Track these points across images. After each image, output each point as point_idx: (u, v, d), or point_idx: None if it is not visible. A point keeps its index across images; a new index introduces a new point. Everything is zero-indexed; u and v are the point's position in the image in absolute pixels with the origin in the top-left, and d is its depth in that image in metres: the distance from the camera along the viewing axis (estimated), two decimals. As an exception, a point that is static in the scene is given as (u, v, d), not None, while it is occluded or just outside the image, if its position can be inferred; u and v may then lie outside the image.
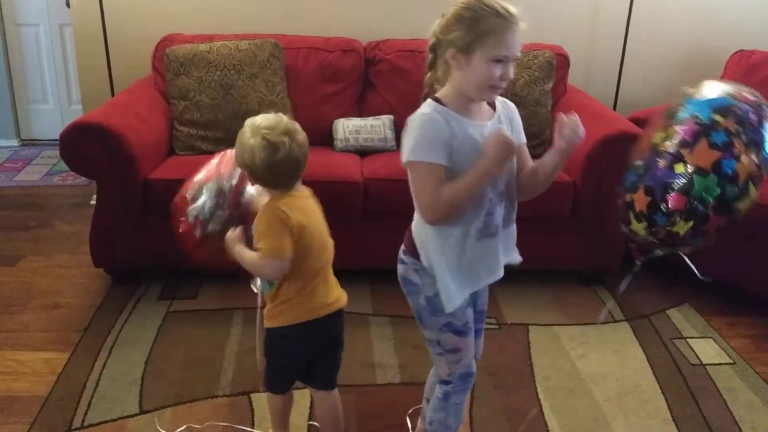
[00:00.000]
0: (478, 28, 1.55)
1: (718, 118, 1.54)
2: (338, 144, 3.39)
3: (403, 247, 1.83)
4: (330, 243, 1.90)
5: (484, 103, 1.72)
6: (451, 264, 1.71)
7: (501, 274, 1.80)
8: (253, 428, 2.24)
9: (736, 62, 3.62)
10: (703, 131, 1.54)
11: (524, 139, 1.80)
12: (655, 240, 1.65)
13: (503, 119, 1.74)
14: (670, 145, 1.57)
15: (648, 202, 1.59)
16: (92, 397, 2.37)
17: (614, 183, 3.02)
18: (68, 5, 3.74)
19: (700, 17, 3.86)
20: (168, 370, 2.53)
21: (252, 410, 2.32)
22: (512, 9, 1.57)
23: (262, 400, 2.34)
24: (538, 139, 3.36)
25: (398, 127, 3.46)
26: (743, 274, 3.02)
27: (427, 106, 1.65)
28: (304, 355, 1.95)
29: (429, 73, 1.72)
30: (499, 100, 1.76)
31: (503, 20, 1.55)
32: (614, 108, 3.83)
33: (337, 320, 1.94)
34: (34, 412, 2.28)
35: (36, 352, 2.62)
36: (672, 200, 1.55)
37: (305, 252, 1.80)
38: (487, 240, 1.72)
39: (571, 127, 1.63)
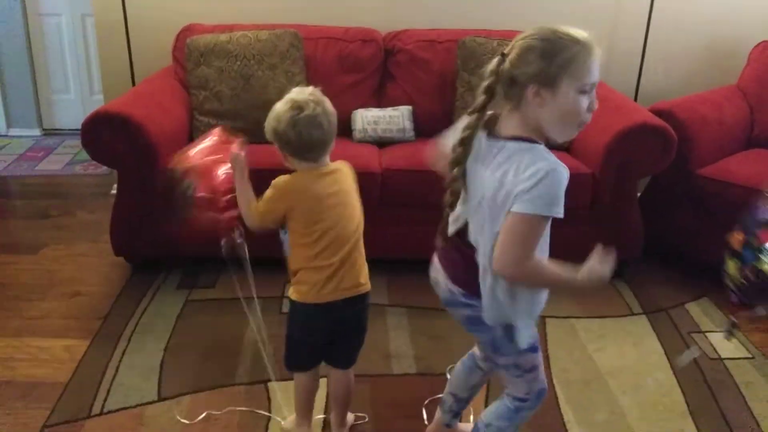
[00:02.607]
0: (561, 57, 1.47)
1: None
2: (357, 135, 3.39)
3: (461, 290, 1.72)
4: (351, 223, 1.88)
5: None
6: (535, 300, 1.70)
7: None
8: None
9: (760, 53, 3.57)
10: None
11: None
12: (746, 282, 1.64)
13: None
14: None
15: (742, 239, 1.59)
16: (111, 384, 2.40)
17: (634, 175, 3.02)
18: (90, -5, 3.76)
19: (723, 7, 3.81)
20: (186, 358, 2.56)
21: (269, 398, 2.34)
22: (586, 34, 1.51)
23: (279, 389, 2.37)
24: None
25: (417, 118, 3.45)
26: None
27: (548, 153, 1.53)
28: (322, 335, 1.97)
29: (476, 115, 1.59)
30: None
31: (583, 47, 1.48)
32: (635, 99, 3.80)
33: (356, 306, 1.94)
34: (54, 398, 2.31)
35: (57, 339, 2.66)
36: (762, 235, 1.55)
37: (304, 221, 1.84)
38: None
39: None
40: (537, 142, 1.54)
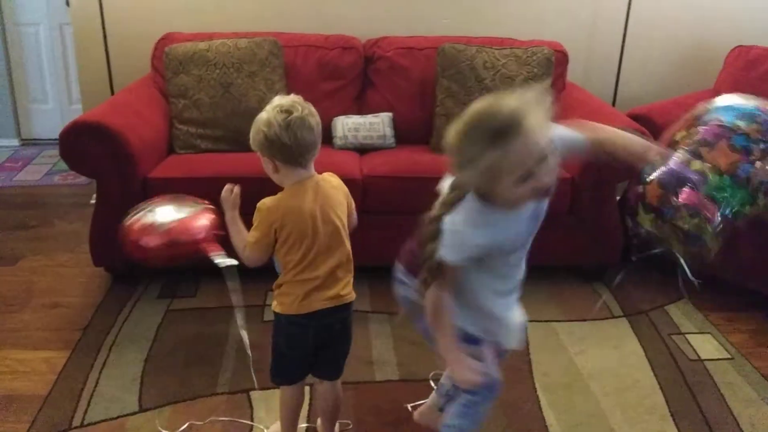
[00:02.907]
0: (483, 165, 1.37)
1: (740, 123, 1.56)
2: (337, 142, 3.39)
3: (401, 267, 1.80)
4: (338, 235, 1.88)
5: None
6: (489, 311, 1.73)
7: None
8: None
9: (735, 58, 3.61)
10: (724, 133, 1.56)
11: (575, 145, 1.67)
12: (658, 234, 1.66)
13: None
14: (690, 143, 1.60)
15: (659, 194, 1.61)
16: (92, 395, 2.38)
17: (612, 179, 3.05)
18: (68, 4, 3.75)
19: (699, 13, 3.86)
20: (167, 368, 2.54)
21: (251, 407, 2.33)
22: (518, 108, 1.36)
23: (261, 398, 2.36)
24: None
25: (397, 125, 3.46)
26: (741, 270, 3.03)
27: (464, 213, 1.52)
28: (307, 346, 1.96)
29: (442, 208, 1.55)
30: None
31: (504, 139, 1.35)
32: (613, 104, 3.83)
33: (339, 314, 1.93)
34: (34, 411, 2.29)
35: (36, 351, 2.63)
36: (683, 195, 1.57)
37: (291, 241, 1.83)
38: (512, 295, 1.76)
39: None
40: (479, 199, 1.51)
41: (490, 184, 1.42)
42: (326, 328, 1.94)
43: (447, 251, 1.53)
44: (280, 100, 1.82)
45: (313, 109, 1.84)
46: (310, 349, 1.98)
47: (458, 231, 1.51)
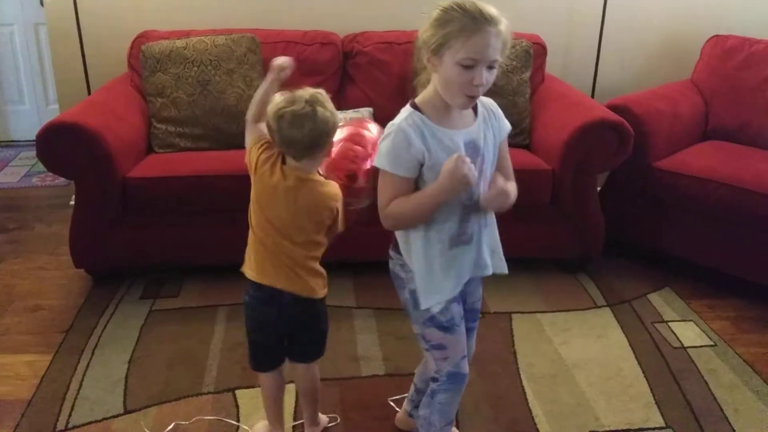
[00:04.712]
0: (446, 29, 1.54)
1: None
2: (318, 138, 3.38)
3: (392, 242, 1.84)
4: (288, 239, 1.87)
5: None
6: (427, 265, 1.73)
7: (484, 273, 1.82)
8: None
9: (712, 47, 3.64)
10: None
11: (505, 135, 1.79)
12: None
13: (484, 125, 1.72)
14: None
15: None
16: (76, 398, 2.36)
17: (593, 170, 3.06)
18: (42, 4, 3.70)
19: (676, 3, 3.88)
20: (152, 369, 2.52)
21: (237, 406, 2.32)
22: (489, 11, 1.54)
23: (247, 396, 2.35)
24: (517, 128, 3.37)
25: (378, 120, 3.45)
26: (722, 257, 3.05)
27: (404, 115, 1.66)
28: (270, 329, 1.97)
29: (421, 75, 1.72)
30: (480, 102, 1.72)
31: (473, 22, 1.52)
32: (592, 95, 3.84)
33: (293, 305, 1.92)
34: (17, 416, 2.27)
35: (18, 355, 2.61)
36: None
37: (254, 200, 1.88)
38: (462, 247, 1.74)
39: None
40: (417, 108, 1.66)
41: (441, 48, 1.55)
42: (286, 310, 1.92)
43: (383, 159, 1.63)
44: (298, 90, 1.81)
45: (320, 110, 1.77)
46: (272, 332, 1.98)
47: (398, 131, 1.62)
